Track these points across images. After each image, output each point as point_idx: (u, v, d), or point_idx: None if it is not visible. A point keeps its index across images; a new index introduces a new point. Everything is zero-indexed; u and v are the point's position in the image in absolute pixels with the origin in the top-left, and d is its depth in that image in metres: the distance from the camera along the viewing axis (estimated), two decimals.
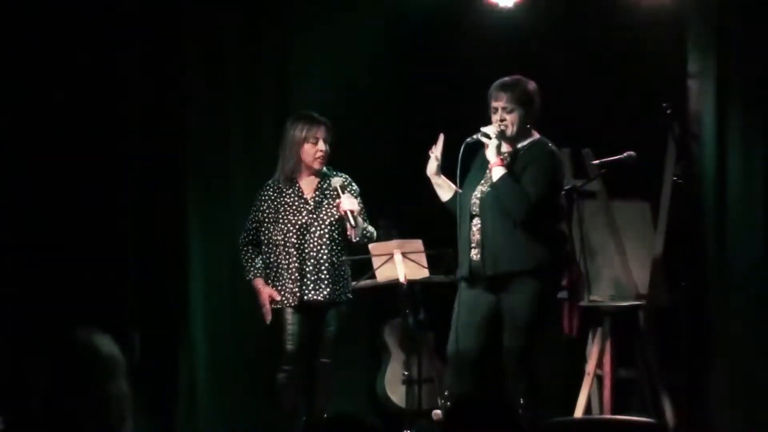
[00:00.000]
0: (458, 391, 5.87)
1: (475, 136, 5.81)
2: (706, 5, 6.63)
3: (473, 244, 5.81)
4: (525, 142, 5.85)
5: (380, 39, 7.50)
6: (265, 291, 6.15)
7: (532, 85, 5.86)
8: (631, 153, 6.18)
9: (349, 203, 6.08)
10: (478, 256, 5.78)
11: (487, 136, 5.77)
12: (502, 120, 5.81)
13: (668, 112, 6.16)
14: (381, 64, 7.52)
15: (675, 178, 6.29)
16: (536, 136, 5.88)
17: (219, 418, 7.01)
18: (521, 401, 5.81)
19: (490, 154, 5.78)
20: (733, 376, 6.49)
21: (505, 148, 5.88)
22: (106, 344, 2.99)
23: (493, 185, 5.78)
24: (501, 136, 5.81)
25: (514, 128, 5.81)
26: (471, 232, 5.83)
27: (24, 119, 6.63)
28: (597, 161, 6.37)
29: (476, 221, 5.82)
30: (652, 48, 6.94)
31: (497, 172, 5.77)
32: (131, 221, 6.86)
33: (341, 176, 6.25)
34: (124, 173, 6.84)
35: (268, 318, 6.16)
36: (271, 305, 6.14)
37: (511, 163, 5.82)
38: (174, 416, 6.91)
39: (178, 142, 7.00)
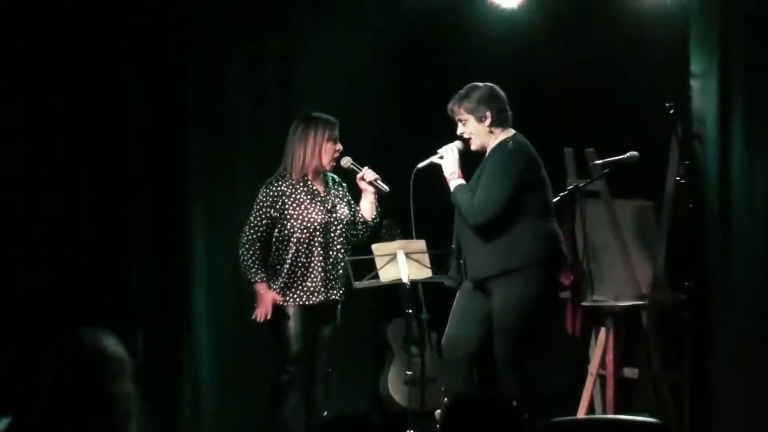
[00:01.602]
0: (449, 385, 5.94)
1: (426, 161, 5.93)
2: (709, 5, 6.63)
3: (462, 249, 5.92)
4: (493, 145, 5.87)
5: (383, 38, 7.50)
6: (270, 295, 6.12)
7: (482, 90, 5.85)
8: (634, 153, 6.19)
9: (372, 173, 6.19)
10: (462, 260, 5.88)
11: (441, 157, 5.88)
12: (462, 133, 5.88)
13: (671, 111, 6.16)
14: (383, 64, 7.53)
15: (678, 178, 6.29)
16: (508, 133, 5.85)
17: (222, 418, 7.01)
18: (513, 403, 5.80)
19: (445, 171, 5.89)
20: (736, 375, 6.49)
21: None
22: (112, 344, 3.00)
23: (451, 197, 5.85)
24: (467, 148, 5.89)
25: (476, 137, 5.86)
26: (457, 240, 5.95)
27: (26, 117, 6.64)
28: (600, 161, 6.37)
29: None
30: (654, 48, 6.95)
31: (452, 185, 5.85)
32: (135, 221, 6.86)
33: (338, 180, 6.29)
34: (128, 172, 6.85)
35: (262, 318, 6.13)
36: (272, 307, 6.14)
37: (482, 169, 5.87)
38: (178, 416, 6.92)
39: (181, 140, 7.00)
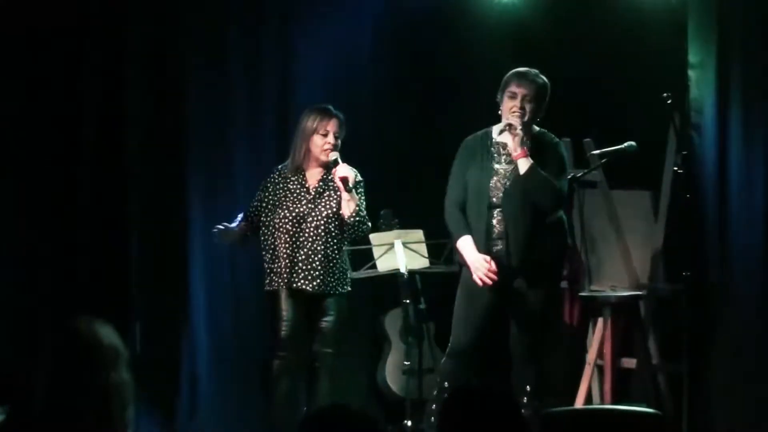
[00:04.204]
0: (456, 379, 5.92)
1: (504, 125, 5.79)
2: None
3: (495, 235, 5.83)
4: (539, 136, 5.88)
5: (381, 32, 7.49)
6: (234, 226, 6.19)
7: (547, 81, 5.92)
8: (632, 143, 6.19)
9: (345, 171, 6.08)
10: (501, 246, 5.80)
11: (514, 127, 5.77)
12: (521, 108, 5.80)
13: (669, 102, 6.15)
14: (382, 58, 7.51)
15: (675, 168, 6.28)
16: (536, 128, 5.92)
17: (220, 408, 7.02)
18: (527, 389, 5.84)
19: (516, 144, 5.77)
20: (733, 366, 6.49)
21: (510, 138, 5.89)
22: (108, 334, 3.01)
23: (523, 177, 5.77)
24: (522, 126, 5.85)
25: (529, 119, 5.83)
26: (489, 224, 5.83)
27: (26, 114, 6.64)
28: (597, 151, 6.37)
29: (496, 212, 5.83)
30: (652, 38, 6.94)
31: (524, 163, 5.76)
32: (133, 212, 6.87)
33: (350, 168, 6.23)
34: (127, 166, 6.85)
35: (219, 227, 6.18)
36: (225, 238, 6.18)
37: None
38: (175, 406, 6.92)
39: (180, 134, 7.01)
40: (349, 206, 6.08)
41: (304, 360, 6.24)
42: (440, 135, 6.96)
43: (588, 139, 6.52)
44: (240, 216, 6.25)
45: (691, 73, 6.63)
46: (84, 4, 6.75)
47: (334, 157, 6.12)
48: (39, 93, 6.66)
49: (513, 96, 5.81)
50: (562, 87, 6.21)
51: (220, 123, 7.14)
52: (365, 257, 6.28)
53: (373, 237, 6.25)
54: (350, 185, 6.06)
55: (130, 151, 6.87)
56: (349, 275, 6.22)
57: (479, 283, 5.79)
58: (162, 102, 6.98)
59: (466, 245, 5.85)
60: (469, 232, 5.86)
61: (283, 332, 6.12)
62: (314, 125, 6.14)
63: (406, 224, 6.49)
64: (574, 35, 7.23)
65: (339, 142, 6.17)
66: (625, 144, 6.19)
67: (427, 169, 6.65)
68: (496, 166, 5.89)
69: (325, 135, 6.14)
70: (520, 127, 5.76)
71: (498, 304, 5.87)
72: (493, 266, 5.78)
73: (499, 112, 5.91)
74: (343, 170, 6.07)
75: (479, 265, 5.78)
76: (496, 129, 5.94)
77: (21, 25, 6.59)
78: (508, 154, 5.87)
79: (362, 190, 6.23)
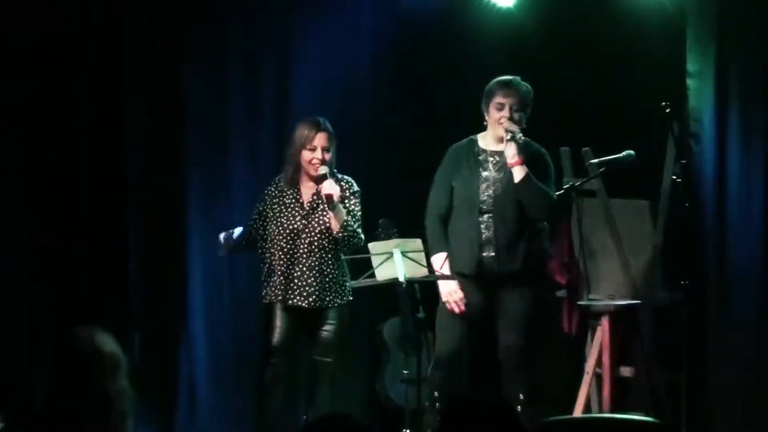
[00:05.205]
0: (448, 389, 5.93)
1: (512, 135, 5.83)
2: (705, 4, 6.63)
3: (483, 241, 5.85)
4: (525, 146, 5.90)
5: (379, 38, 7.50)
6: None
7: (530, 88, 5.96)
8: (631, 152, 6.20)
9: (329, 188, 6.02)
10: (491, 253, 5.83)
11: (515, 134, 5.81)
12: (510, 117, 5.83)
13: (667, 111, 6.16)
14: (380, 63, 7.52)
15: (674, 177, 6.29)
16: (522, 137, 5.96)
17: (219, 417, 7.01)
18: (521, 397, 5.86)
19: (514, 152, 5.80)
20: (732, 374, 6.49)
21: (502, 147, 5.93)
22: (108, 343, 3.01)
23: (518, 185, 5.81)
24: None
25: (519, 130, 5.88)
26: (478, 230, 5.86)
27: (25, 116, 6.64)
28: (596, 160, 6.37)
29: (485, 218, 5.86)
30: (651, 47, 6.95)
31: (520, 171, 5.81)
32: (132, 220, 6.86)
33: (345, 180, 6.20)
34: (125, 172, 6.84)
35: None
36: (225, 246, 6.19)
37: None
38: (174, 415, 6.91)
39: (178, 141, 7.00)
40: (334, 222, 6.05)
41: (298, 368, 6.23)
42: (439, 143, 6.95)
43: (587, 148, 6.52)
44: (240, 228, 6.22)
45: (689, 82, 6.64)
46: (84, 4, 6.74)
47: (322, 172, 6.05)
48: (38, 93, 6.65)
49: (501, 107, 5.87)
50: (560, 95, 6.24)
51: (219, 128, 7.13)
52: (364, 266, 6.28)
53: (372, 246, 6.24)
54: (334, 202, 6.00)
55: (130, 162, 6.86)
56: (348, 286, 6.20)
57: (449, 309, 5.94)
58: (161, 111, 6.97)
59: (439, 264, 5.98)
60: (446, 248, 5.95)
61: (274, 340, 6.11)
62: (303, 139, 6.09)
63: (404, 233, 6.48)
64: (572, 43, 7.24)
65: (329, 155, 6.11)
66: (624, 153, 6.20)
67: (426, 178, 6.62)
68: (485, 173, 5.95)
69: (313, 150, 6.09)
70: (520, 135, 5.80)
71: (482, 310, 5.90)
72: (461, 294, 5.89)
73: (485, 122, 6.00)
74: (328, 187, 6.01)
75: (452, 292, 5.95)
76: (481, 137, 6.01)
77: (21, 25, 6.59)
78: (497, 162, 5.93)
79: (358, 200, 6.20)
